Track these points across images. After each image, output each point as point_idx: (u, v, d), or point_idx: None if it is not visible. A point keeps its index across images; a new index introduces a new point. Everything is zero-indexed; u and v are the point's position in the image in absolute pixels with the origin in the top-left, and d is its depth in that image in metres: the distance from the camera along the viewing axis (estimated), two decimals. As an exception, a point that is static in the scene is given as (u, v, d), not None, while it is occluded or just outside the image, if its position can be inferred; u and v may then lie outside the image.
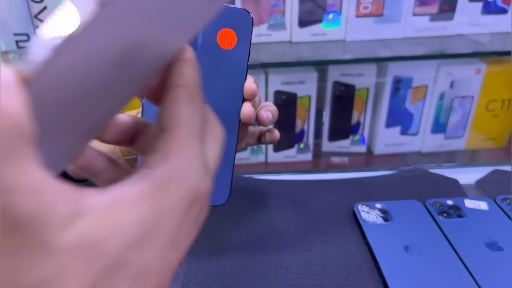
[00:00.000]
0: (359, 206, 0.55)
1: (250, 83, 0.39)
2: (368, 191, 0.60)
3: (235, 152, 0.40)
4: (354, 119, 0.77)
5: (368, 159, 0.79)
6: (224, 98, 0.39)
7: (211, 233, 0.52)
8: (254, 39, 0.69)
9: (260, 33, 0.69)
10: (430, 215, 0.54)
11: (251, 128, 0.48)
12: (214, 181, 0.38)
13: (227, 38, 0.37)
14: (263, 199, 0.58)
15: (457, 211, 0.55)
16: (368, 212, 0.54)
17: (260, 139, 0.47)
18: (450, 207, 0.55)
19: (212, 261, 0.47)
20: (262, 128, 0.47)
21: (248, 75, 0.39)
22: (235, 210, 0.56)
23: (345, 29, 0.69)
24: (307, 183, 0.62)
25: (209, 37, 0.37)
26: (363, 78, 0.73)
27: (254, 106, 0.40)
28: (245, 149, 0.49)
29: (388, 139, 0.78)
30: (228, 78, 0.38)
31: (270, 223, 0.54)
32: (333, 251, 0.50)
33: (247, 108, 0.39)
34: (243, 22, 0.37)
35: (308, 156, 0.77)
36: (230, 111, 0.39)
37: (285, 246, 0.50)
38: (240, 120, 0.39)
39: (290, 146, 0.77)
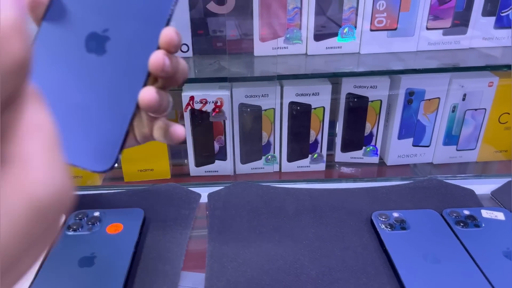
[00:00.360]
0: (377, 215, 0.56)
1: (169, 30, 0.31)
2: (384, 200, 0.61)
3: (134, 113, 0.31)
4: (367, 131, 0.78)
5: (381, 169, 0.80)
6: (135, 47, 0.31)
7: (233, 239, 0.53)
8: (271, 52, 0.71)
9: (277, 46, 0.71)
10: (447, 224, 0.55)
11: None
12: (97, 141, 0.30)
13: None
14: (281, 207, 0.59)
15: (474, 221, 0.55)
16: (385, 221, 0.55)
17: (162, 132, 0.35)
18: (467, 217, 0.56)
19: (234, 267, 0.48)
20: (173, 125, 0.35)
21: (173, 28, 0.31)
22: (254, 217, 0.57)
23: (360, 42, 0.71)
24: (323, 191, 0.63)
25: None
26: (376, 91, 0.75)
27: (173, 62, 0.31)
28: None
29: (400, 151, 0.79)
30: (146, 24, 0.31)
31: (289, 230, 0.55)
32: (352, 258, 0.50)
33: (156, 55, 0.30)
34: None
35: (321, 166, 0.78)
36: (138, 61, 0.31)
37: (305, 253, 0.51)
38: (148, 75, 0.31)
39: (304, 156, 0.78)
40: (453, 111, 0.75)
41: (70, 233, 0.51)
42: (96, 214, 0.54)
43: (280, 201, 0.60)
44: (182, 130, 0.34)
